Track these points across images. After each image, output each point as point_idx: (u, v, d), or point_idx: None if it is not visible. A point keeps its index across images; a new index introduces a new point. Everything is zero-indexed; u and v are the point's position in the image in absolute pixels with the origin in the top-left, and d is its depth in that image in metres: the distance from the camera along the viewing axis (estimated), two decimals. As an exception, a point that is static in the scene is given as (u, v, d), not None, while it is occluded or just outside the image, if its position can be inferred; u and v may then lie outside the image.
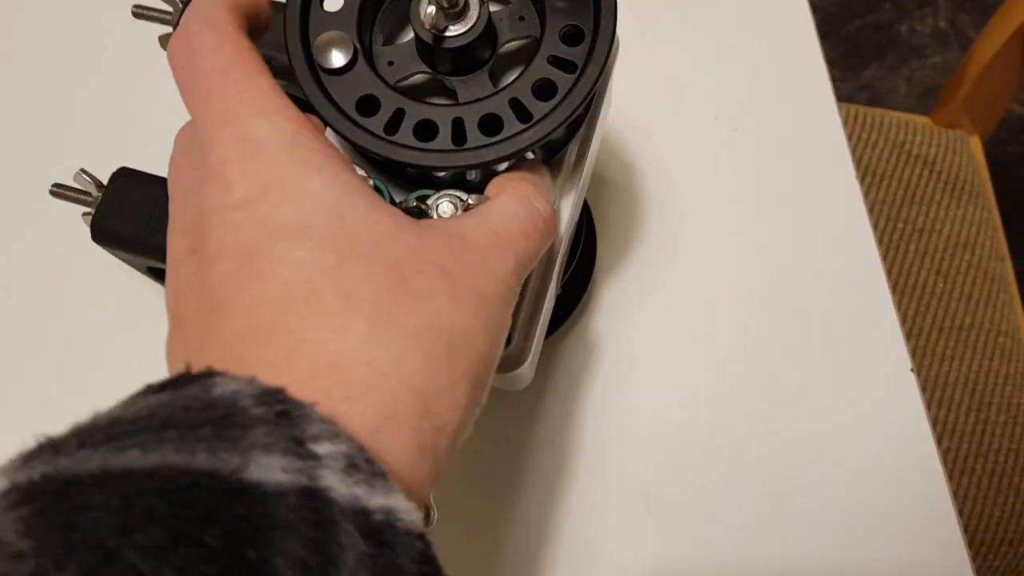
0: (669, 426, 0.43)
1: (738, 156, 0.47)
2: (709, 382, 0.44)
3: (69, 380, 0.46)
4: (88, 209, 0.38)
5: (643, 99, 0.47)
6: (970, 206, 0.76)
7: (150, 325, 0.45)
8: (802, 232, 0.46)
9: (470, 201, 0.29)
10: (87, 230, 0.40)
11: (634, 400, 0.43)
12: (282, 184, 0.23)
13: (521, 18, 0.32)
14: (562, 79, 0.30)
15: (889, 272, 0.73)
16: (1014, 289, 0.76)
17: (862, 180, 0.73)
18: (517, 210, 0.27)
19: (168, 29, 0.41)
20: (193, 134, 0.26)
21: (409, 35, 0.33)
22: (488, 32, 0.31)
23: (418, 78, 0.32)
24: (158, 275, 0.42)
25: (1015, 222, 0.86)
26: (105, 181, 0.38)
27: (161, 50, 0.41)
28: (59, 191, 0.39)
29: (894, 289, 0.73)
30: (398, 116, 0.30)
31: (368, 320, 0.22)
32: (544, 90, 0.30)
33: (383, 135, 0.30)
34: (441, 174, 0.31)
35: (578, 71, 0.30)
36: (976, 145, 0.81)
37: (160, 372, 0.22)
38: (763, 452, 0.42)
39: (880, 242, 0.73)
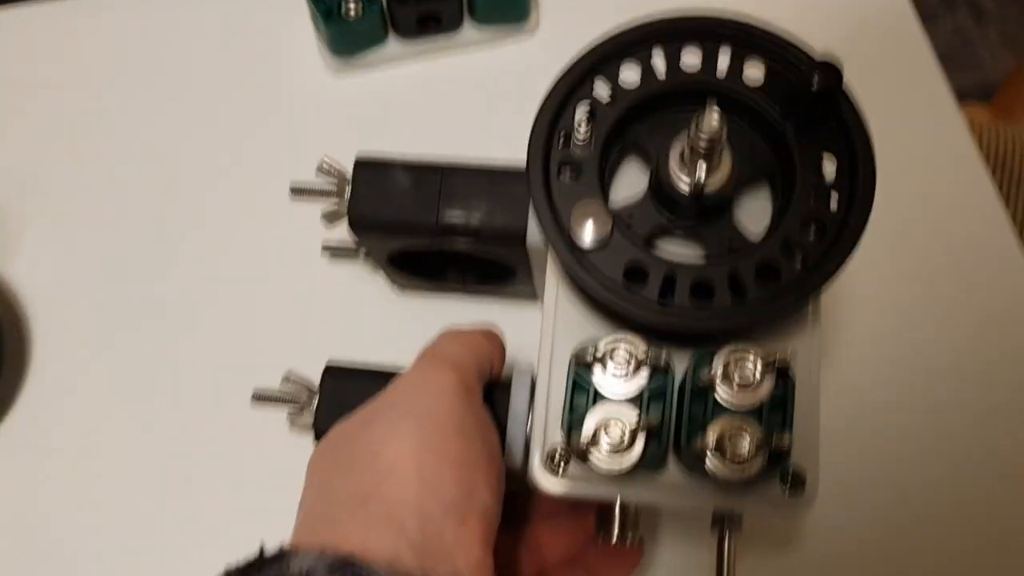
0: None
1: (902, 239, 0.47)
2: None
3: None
4: (291, 409, 0.37)
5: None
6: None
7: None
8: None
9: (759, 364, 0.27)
10: (294, 431, 0.38)
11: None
12: None
13: (752, 152, 0.31)
14: (827, 212, 0.29)
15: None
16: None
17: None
18: None
19: (331, 202, 0.39)
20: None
21: (634, 182, 0.32)
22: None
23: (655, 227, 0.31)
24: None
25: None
26: (304, 381, 0.37)
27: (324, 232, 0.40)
28: (263, 397, 0.37)
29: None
30: (670, 281, 0.29)
31: None
32: (815, 225, 0.29)
33: (660, 304, 0.28)
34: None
35: (847, 198, 0.29)
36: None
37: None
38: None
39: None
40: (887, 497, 0.43)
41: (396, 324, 0.46)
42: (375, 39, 0.50)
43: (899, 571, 0.42)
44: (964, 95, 1.19)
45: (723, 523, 0.32)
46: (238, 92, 0.51)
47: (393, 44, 0.51)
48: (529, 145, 0.30)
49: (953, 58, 1.40)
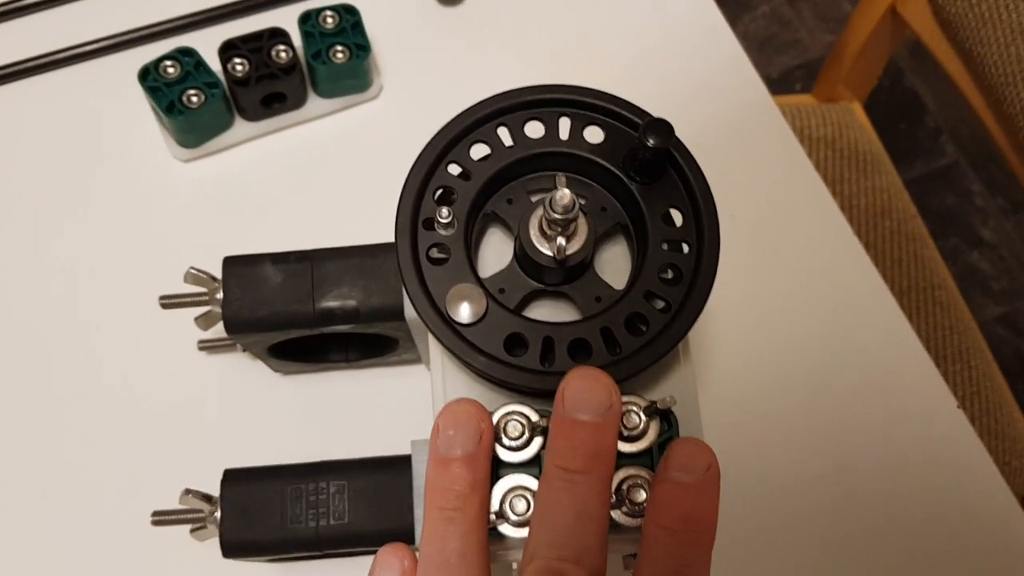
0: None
1: (740, 234, 0.50)
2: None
3: None
4: (196, 525, 0.36)
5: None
6: (875, 175, 0.82)
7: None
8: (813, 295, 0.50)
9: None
10: (200, 545, 0.37)
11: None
12: None
13: (603, 208, 0.33)
14: (681, 258, 0.31)
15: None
16: (931, 243, 0.83)
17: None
18: None
19: (203, 309, 0.39)
20: None
21: (501, 250, 0.34)
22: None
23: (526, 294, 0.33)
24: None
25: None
26: (207, 491, 0.36)
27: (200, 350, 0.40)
28: (162, 519, 0.36)
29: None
30: (548, 344, 0.30)
31: None
32: (672, 272, 0.31)
33: (542, 368, 0.30)
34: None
35: (695, 246, 0.31)
36: (859, 112, 0.87)
37: None
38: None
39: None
40: (776, 492, 0.46)
41: (285, 411, 0.46)
42: (221, 125, 0.50)
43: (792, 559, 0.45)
44: (789, 76, 1.29)
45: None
46: (86, 197, 0.50)
47: (240, 126, 0.50)
48: (396, 238, 0.31)
49: (773, 40, 1.49)
